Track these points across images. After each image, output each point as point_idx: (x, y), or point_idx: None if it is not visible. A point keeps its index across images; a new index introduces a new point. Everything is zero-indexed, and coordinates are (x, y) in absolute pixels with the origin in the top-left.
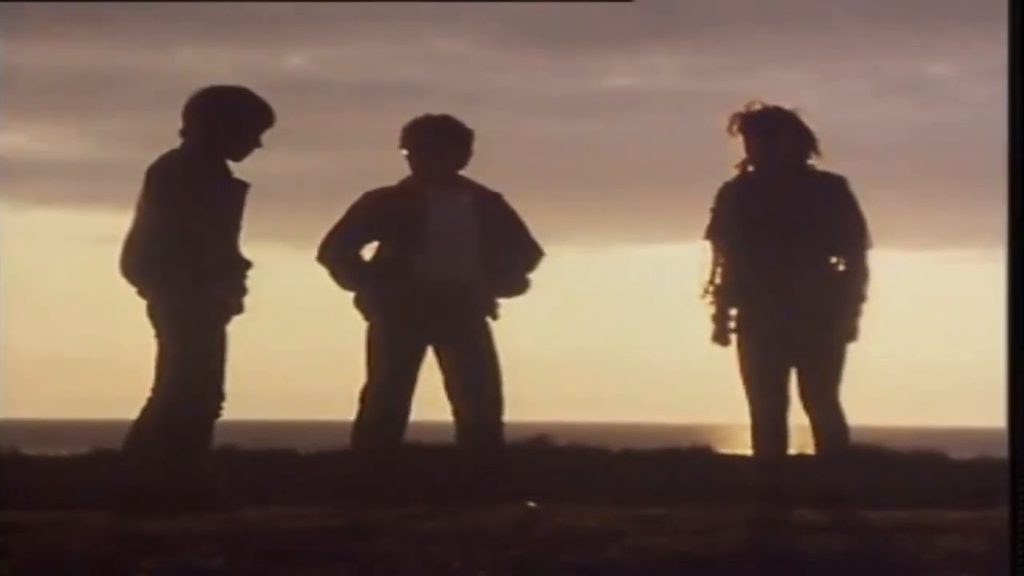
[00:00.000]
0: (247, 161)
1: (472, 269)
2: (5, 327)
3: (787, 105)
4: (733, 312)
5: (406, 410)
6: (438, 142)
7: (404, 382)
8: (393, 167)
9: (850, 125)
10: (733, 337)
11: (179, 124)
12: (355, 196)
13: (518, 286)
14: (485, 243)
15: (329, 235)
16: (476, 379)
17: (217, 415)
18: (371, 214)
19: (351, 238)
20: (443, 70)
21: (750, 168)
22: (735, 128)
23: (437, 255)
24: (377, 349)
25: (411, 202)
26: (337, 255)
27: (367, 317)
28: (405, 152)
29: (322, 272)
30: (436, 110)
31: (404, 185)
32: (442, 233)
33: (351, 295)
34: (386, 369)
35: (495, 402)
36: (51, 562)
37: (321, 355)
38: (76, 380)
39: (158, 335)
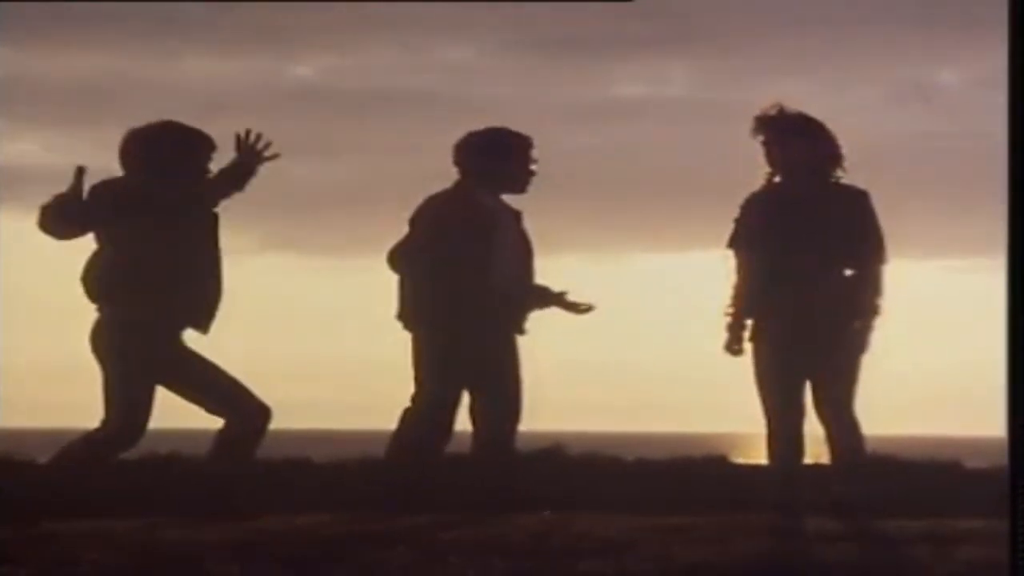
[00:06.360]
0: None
1: (524, 281)
2: (19, 336)
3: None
4: (749, 323)
5: (453, 421)
6: (502, 155)
7: (456, 392)
8: (401, 175)
9: (859, 133)
10: (747, 347)
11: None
12: (367, 205)
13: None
14: (529, 256)
15: (401, 242)
16: (504, 393)
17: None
18: (442, 221)
19: (423, 244)
20: (451, 79)
21: (776, 179)
22: (755, 131)
23: (504, 266)
24: (436, 356)
25: (481, 212)
26: (412, 261)
27: (411, 328)
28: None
29: (331, 282)
30: (444, 119)
31: (464, 193)
32: (506, 244)
33: (363, 307)
34: (444, 379)
35: (515, 416)
36: (66, 571)
37: (331, 365)
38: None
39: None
